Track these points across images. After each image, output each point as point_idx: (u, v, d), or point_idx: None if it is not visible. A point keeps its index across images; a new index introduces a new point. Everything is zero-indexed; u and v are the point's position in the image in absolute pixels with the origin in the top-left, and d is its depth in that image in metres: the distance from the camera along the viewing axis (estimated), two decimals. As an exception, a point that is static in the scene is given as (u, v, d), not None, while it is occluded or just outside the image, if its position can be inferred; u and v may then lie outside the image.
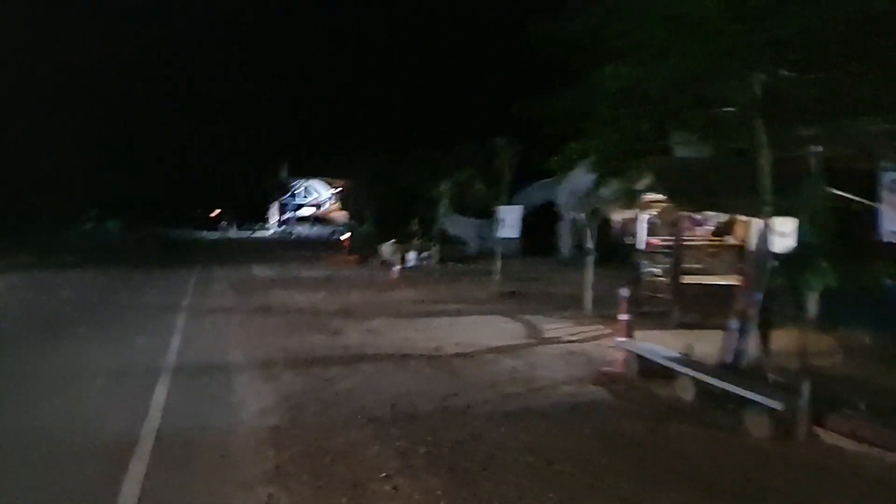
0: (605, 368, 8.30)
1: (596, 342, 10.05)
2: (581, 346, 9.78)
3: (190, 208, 75.95)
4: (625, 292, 8.55)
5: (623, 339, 8.31)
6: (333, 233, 48.91)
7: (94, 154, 47.35)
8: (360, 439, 5.47)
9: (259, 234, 63.05)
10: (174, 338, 9.68)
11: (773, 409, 5.84)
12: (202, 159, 73.08)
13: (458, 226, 34.03)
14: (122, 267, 21.92)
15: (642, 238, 12.53)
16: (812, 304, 7.93)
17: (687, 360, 7.50)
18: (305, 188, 69.45)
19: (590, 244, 12.43)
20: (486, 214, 34.08)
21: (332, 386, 7.19)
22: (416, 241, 28.00)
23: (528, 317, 12.28)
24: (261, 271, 21.67)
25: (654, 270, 12.22)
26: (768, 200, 7.36)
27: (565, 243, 29.63)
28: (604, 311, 12.21)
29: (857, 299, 10.55)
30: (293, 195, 68.79)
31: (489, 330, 11.03)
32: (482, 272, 22.04)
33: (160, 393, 6.59)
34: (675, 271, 11.35)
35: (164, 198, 72.02)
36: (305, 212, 60.88)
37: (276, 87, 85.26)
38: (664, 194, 11.17)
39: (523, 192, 33.24)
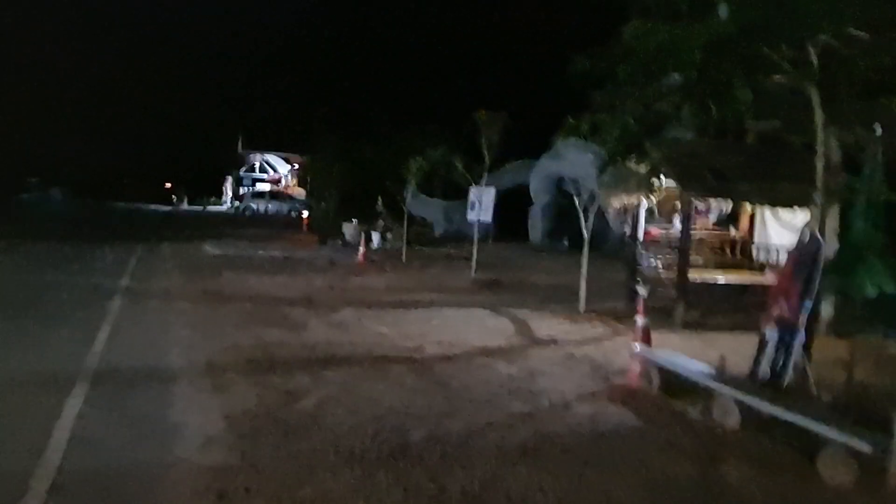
0: (619, 381, 7.05)
1: (597, 344, 8.80)
2: (581, 348, 8.51)
3: (140, 180, 72.76)
4: (642, 290, 7.28)
5: (640, 346, 7.05)
6: (291, 210, 47.03)
7: (37, 117, 44.47)
8: (335, 490, 4.07)
9: (213, 209, 60.61)
10: (102, 331, 8.07)
11: (856, 450, 4.64)
12: (154, 128, 70.00)
13: (424, 207, 32.59)
14: (59, 240, 19.93)
15: (641, 227, 11.30)
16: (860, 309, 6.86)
17: (722, 376, 6.28)
18: (262, 163, 67.04)
19: (585, 232, 11.11)
20: (454, 196, 32.87)
21: (296, 402, 5.76)
22: (380, 222, 26.48)
23: (512, 311, 10.98)
24: (213, 249, 19.94)
25: (655, 263, 11.02)
26: (830, 187, 6.12)
27: (537, 229, 28.45)
28: (597, 306, 10.99)
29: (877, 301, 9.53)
30: (249, 169, 66.33)
31: (472, 326, 9.70)
32: (453, 257, 20.75)
33: (68, 414, 5.05)
34: (682, 265, 10.14)
35: (113, 167, 68.75)
36: (262, 187, 58.54)
37: (232, 56, 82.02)
38: (673, 179, 9.95)
39: (491, 175, 31.94)
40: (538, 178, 27.85)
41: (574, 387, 6.82)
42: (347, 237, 25.29)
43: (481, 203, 25.44)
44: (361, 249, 18.95)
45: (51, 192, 60.85)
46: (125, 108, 65.72)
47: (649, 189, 10.03)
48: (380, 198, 26.99)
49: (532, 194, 28.27)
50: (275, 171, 65.78)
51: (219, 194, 71.21)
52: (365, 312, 10.52)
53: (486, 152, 14.99)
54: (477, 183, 32.61)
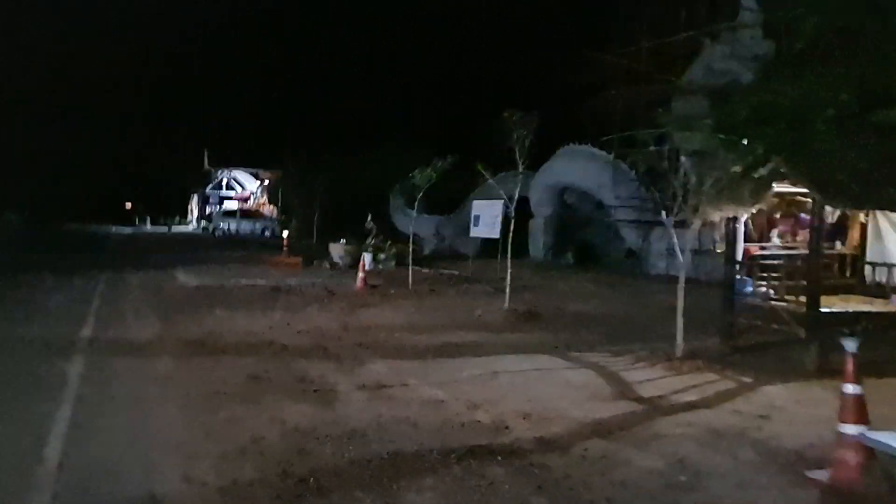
0: (821, 477, 4.85)
1: (735, 408, 6.59)
2: (721, 417, 6.31)
3: (100, 200, 68.90)
4: (851, 343, 5.05)
5: (852, 426, 4.85)
6: (265, 229, 44.33)
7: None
8: None
9: (179, 229, 57.45)
10: (53, 436, 5.53)
11: None
12: (114, 145, 66.52)
13: (411, 223, 30.21)
14: (9, 272, 17.19)
15: (740, 245, 9.16)
16: None
17: None
18: (230, 179, 64.03)
19: (679, 254, 8.90)
20: (444, 210, 30.61)
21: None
22: (371, 241, 24.08)
23: (585, 356, 8.76)
24: (187, 278, 17.36)
25: (765, 290, 8.87)
26: None
27: (538, 244, 26.31)
28: (695, 346, 8.78)
29: None
30: (216, 187, 63.30)
31: (550, 383, 7.44)
32: (461, 280, 18.48)
33: None
34: (813, 292, 7.99)
35: (70, 188, 64.84)
36: (231, 205, 55.59)
37: (196, 67, 78.77)
38: (805, 184, 7.82)
39: (478, 189, 29.76)
40: (539, 190, 25.77)
41: (760, 492, 4.62)
42: (336, 259, 22.88)
43: (485, 217, 23.42)
44: (360, 274, 16.55)
45: (5, 216, 57.10)
46: (82, 124, 62.31)
47: (764, 197, 7.88)
48: (369, 214, 24.63)
49: (532, 207, 26.17)
50: (243, 188, 62.86)
51: (184, 214, 67.96)
52: (401, 365, 8.21)
53: (518, 157, 12.73)
54: (467, 196, 30.55)
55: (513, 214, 14.53)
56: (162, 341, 9.30)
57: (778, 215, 9.88)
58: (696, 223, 9.08)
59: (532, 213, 26.33)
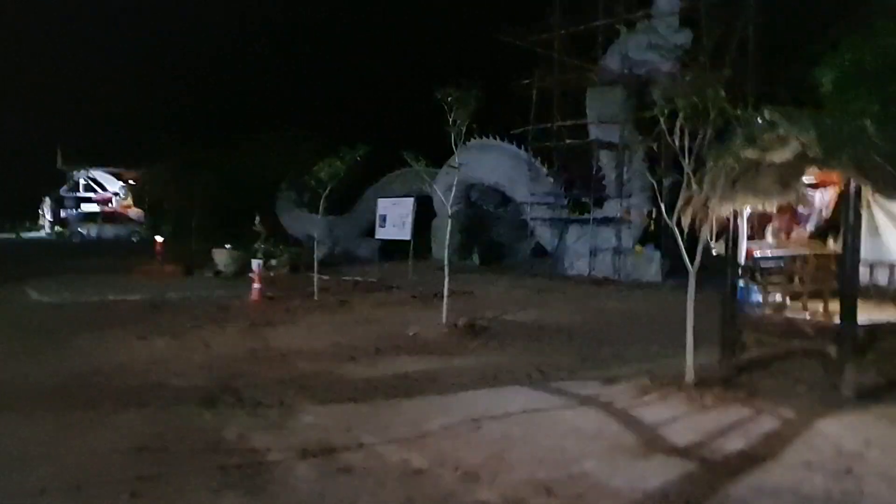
0: None
1: (802, 458, 5.05)
2: (794, 474, 4.76)
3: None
4: None
5: None
6: (132, 234, 40.20)
7: None
8: None
9: (29, 235, 51.45)
10: None
11: None
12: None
13: (302, 223, 27.74)
14: None
15: (742, 246, 7.74)
16: None
17: None
18: (87, 180, 58.20)
19: (689, 264, 7.22)
20: (335, 209, 28.23)
21: None
22: (260, 245, 21.49)
23: (574, 387, 7.05)
24: (41, 295, 14.28)
25: (776, 299, 7.48)
26: None
27: (442, 244, 24.54)
28: (698, 368, 7.24)
29: None
30: (72, 188, 57.35)
31: (556, 434, 5.63)
32: (372, 287, 16.48)
33: None
34: (849, 300, 6.62)
35: None
36: (90, 208, 50.33)
37: (44, 57, 71.18)
38: (842, 170, 6.45)
39: (374, 187, 27.77)
40: (443, 187, 24.05)
41: None
42: (221, 266, 20.18)
43: (393, 217, 21.47)
44: (256, 285, 14.17)
45: None
46: None
47: (795, 187, 6.45)
48: (257, 216, 22.02)
49: (435, 205, 24.45)
50: (104, 189, 57.28)
51: (35, 218, 61.20)
52: (345, 412, 6.20)
53: (454, 140, 10.92)
54: (362, 193, 28.42)
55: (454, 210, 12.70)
56: (11, 391, 6.76)
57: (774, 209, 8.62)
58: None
59: (435, 211, 24.64)
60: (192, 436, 5.48)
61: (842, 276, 6.71)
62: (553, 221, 20.97)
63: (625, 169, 19.14)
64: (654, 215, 18.63)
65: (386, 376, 7.48)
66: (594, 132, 19.91)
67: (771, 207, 6.81)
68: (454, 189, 23.86)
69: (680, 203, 7.18)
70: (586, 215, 20.23)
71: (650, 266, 18.41)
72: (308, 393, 6.77)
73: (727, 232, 7.44)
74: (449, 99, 10.55)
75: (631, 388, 6.83)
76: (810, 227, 8.50)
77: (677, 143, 6.66)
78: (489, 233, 25.16)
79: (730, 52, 16.53)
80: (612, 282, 17.88)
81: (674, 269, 18.35)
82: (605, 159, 19.83)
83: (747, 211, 7.45)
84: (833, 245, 8.57)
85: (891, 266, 8.25)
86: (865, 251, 8.40)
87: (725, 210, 6.82)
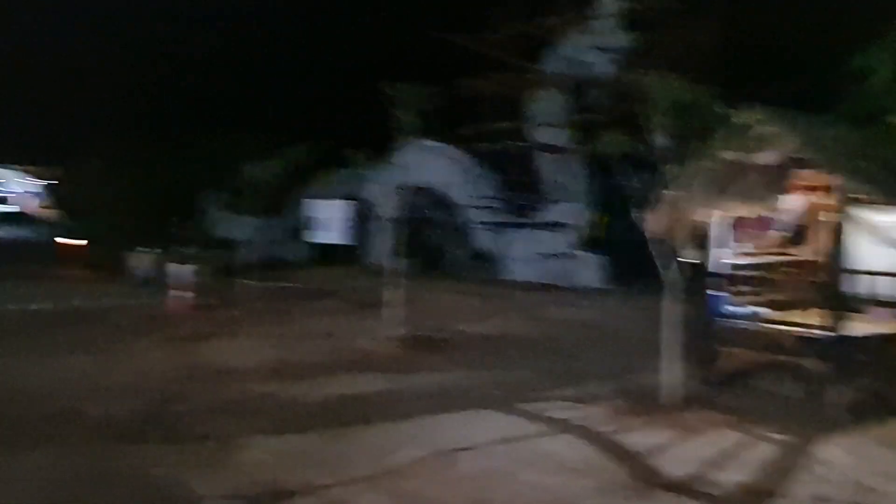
0: None
1: (815, 493, 4.58)
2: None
3: None
4: None
5: None
6: (43, 236, 37.65)
7: None
8: None
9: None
10: None
11: None
12: None
13: (229, 227, 26.35)
14: None
15: (720, 253, 7.28)
16: None
17: None
18: (-6, 180, 54.56)
19: (673, 265, 6.68)
20: (269, 211, 26.99)
21: None
22: (185, 249, 20.17)
23: (546, 409, 6.44)
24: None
25: (751, 311, 7.05)
26: None
27: (378, 249, 23.74)
28: (673, 385, 6.75)
29: None
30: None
31: (540, 468, 5.00)
32: (308, 295, 15.58)
33: None
34: (836, 307, 6.23)
35: None
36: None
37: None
38: (831, 170, 6.07)
39: (311, 185, 26.70)
40: (380, 190, 23.24)
41: None
42: (141, 272, 18.79)
43: (329, 220, 20.55)
44: (182, 293, 13.08)
45: None
46: None
47: (783, 190, 6.03)
48: (177, 219, 20.70)
49: (372, 207, 23.62)
50: (11, 189, 53.79)
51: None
52: (295, 445, 5.43)
53: (402, 139, 10.23)
54: (294, 194, 27.27)
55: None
56: None
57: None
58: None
59: (372, 214, 23.83)
60: (112, 480, 4.60)
61: (827, 286, 6.32)
62: (494, 226, 20.45)
63: (567, 172, 18.80)
64: (600, 219, 18.34)
65: (339, 398, 6.71)
66: (536, 135, 19.50)
67: (756, 212, 6.37)
68: (393, 192, 23.19)
69: (656, 206, 6.69)
70: (528, 220, 19.80)
71: (592, 271, 18.09)
72: (250, 421, 5.94)
73: (700, 237, 6.99)
74: (397, 96, 9.80)
75: (606, 410, 6.27)
76: (780, 232, 8.15)
77: (662, 141, 6.12)
78: (427, 237, 24.49)
79: (679, 54, 16.37)
80: (557, 288, 17.45)
81: (618, 275, 18.13)
82: (547, 162, 19.43)
83: (722, 216, 7.02)
84: (803, 252, 8.26)
85: (872, 275, 7.97)
86: (846, 261, 8.17)
87: (706, 214, 6.34)
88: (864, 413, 6.09)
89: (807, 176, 6.39)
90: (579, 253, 18.60)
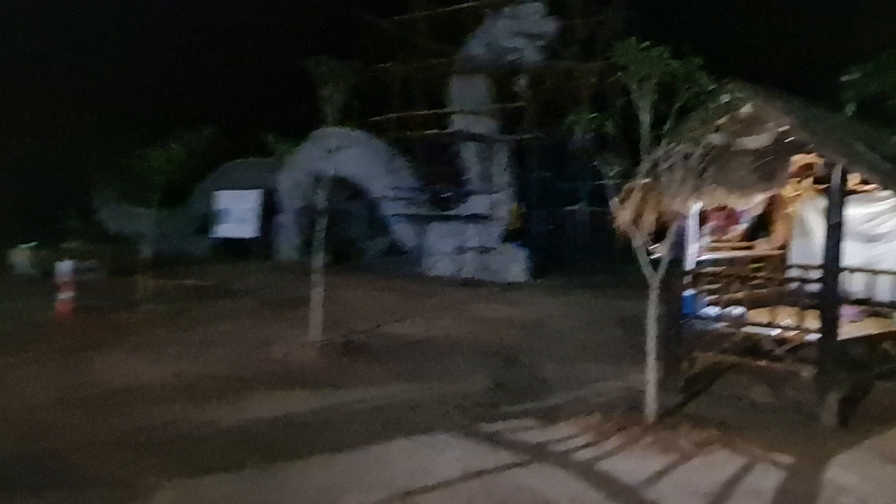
0: None
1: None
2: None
3: None
4: None
5: None
6: None
7: None
8: None
9: None
10: None
11: None
12: None
13: (126, 219, 24.26)
14: None
15: (692, 249, 6.61)
16: None
17: None
18: None
19: (654, 257, 5.89)
20: (168, 203, 25.05)
21: None
22: (72, 245, 18.26)
23: (510, 431, 5.56)
24: None
25: (736, 311, 6.43)
26: None
27: (288, 242, 22.36)
28: (672, 405, 6.02)
29: None
30: None
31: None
32: (212, 293, 14.20)
33: None
34: (830, 314, 5.64)
35: None
36: None
37: None
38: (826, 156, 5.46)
39: (214, 174, 24.98)
40: (290, 180, 21.87)
41: None
42: (21, 269, 16.84)
43: (237, 212, 19.04)
44: (66, 294, 11.48)
45: None
46: None
47: (783, 178, 5.37)
48: (71, 210, 18.71)
49: (281, 199, 22.21)
50: None
51: None
52: (215, 489, 4.35)
53: (327, 121, 9.18)
54: (195, 184, 25.46)
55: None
56: None
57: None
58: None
59: (279, 206, 22.42)
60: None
61: (821, 285, 5.74)
62: (413, 218, 19.52)
63: (490, 162, 18.09)
64: (522, 211, 17.75)
65: (262, 423, 5.62)
66: (458, 123, 18.67)
67: (745, 204, 5.72)
68: (305, 182, 21.89)
69: (624, 195, 5.96)
70: (449, 212, 18.98)
71: (516, 265, 17.48)
72: (155, 458, 4.80)
73: (675, 231, 6.29)
74: (322, 73, 8.73)
75: (582, 429, 5.46)
76: (743, 225, 7.61)
77: (646, 120, 5.33)
78: (342, 230, 23.32)
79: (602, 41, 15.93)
80: (480, 283, 16.72)
81: (540, 268, 17.59)
82: (469, 152, 18.63)
83: (696, 209, 6.36)
84: (764, 245, 7.78)
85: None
86: (795, 253, 7.74)
87: (683, 206, 5.63)
88: (852, 422, 5.57)
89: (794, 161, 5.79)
90: (502, 246, 17.96)
